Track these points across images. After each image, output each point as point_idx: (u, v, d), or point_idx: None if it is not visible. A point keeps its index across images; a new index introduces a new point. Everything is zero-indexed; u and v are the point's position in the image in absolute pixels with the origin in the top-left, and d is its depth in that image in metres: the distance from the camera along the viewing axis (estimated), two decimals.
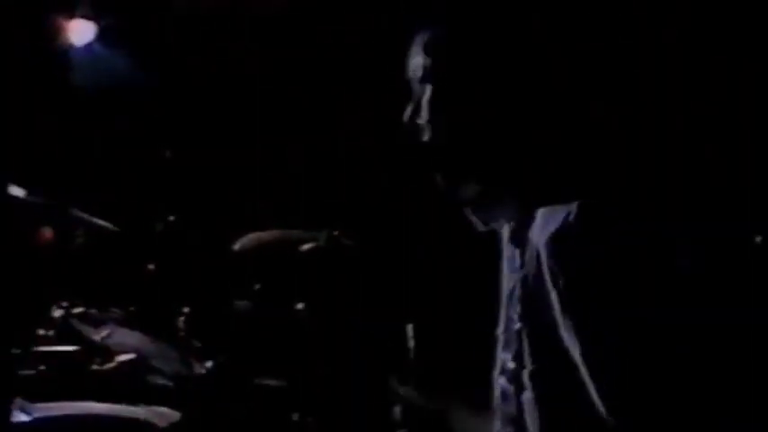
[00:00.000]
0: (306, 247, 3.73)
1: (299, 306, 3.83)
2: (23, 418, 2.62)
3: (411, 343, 3.87)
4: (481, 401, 2.14)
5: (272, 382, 3.68)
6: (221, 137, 4.48)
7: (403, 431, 3.56)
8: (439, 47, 1.92)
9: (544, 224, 1.81)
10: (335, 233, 3.74)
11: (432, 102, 1.94)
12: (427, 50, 1.93)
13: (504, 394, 1.98)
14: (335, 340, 3.97)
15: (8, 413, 2.48)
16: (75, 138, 4.47)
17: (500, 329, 2.04)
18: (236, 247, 3.78)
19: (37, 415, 2.65)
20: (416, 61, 1.97)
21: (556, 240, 1.77)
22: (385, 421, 3.70)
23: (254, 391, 3.61)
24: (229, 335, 3.72)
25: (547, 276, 1.78)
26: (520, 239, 1.93)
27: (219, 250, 3.85)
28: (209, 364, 3.46)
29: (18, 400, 2.63)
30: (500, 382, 2.00)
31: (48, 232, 3.71)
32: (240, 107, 4.45)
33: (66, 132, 4.48)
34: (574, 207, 1.76)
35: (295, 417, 3.67)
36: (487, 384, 2.07)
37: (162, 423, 2.78)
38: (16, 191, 3.11)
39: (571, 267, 1.75)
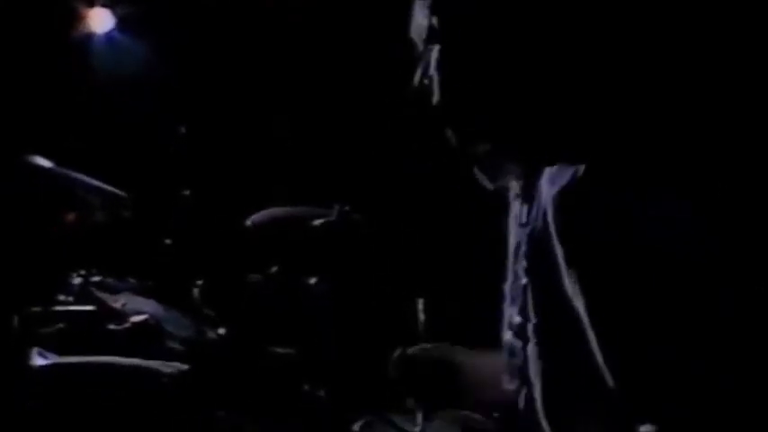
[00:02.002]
0: (317, 222, 3.80)
1: (312, 280, 3.90)
2: (37, 362, 2.72)
3: (421, 316, 3.92)
4: (494, 358, 2.16)
5: (284, 351, 3.74)
6: (235, 113, 4.54)
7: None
8: (446, 5, 1.96)
9: (553, 180, 1.83)
10: (347, 208, 3.81)
11: (440, 61, 1.94)
12: (434, 10, 1.96)
13: (511, 349, 2.00)
14: (346, 313, 4.03)
15: (26, 360, 2.58)
16: (92, 113, 4.55)
17: (507, 285, 2.06)
18: (250, 222, 3.86)
19: (46, 361, 2.75)
20: (420, 21, 1.99)
21: (563, 196, 1.80)
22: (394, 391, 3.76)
23: (265, 359, 3.67)
24: (242, 305, 3.79)
25: (553, 231, 1.81)
26: (527, 195, 1.95)
27: (233, 225, 3.92)
28: (221, 331, 3.54)
29: (35, 349, 2.74)
30: (507, 337, 2.02)
31: (70, 215, 3.78)
32: (254, 83, 4.51)
33: (83, 108, 4.56)
34: (582, 165, 1.80)
35: (305, 387, 3.73)
36: (498, 341, 2.10)
37: (167, 371, 2.86)
38: (40, 160, 3.21)
39: (577, 222, 1.78)
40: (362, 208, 3.88)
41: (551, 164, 1.86)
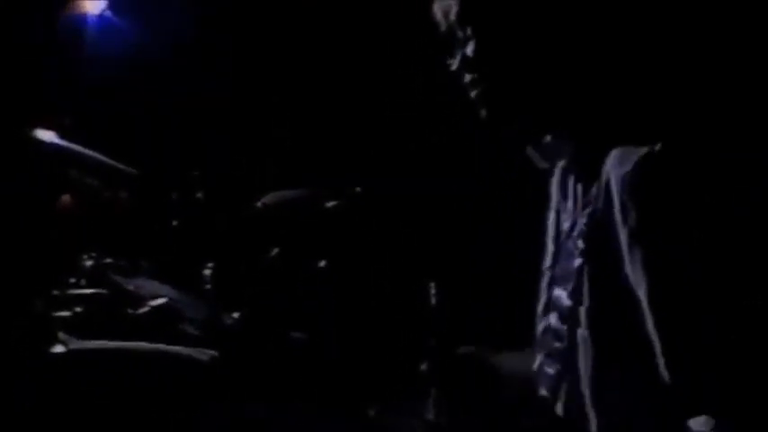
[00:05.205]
0: (329, 204, 3.75)
1: (322, 263, 3.84)
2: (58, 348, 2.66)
3: (433, 299, 3.88)
4: (522, 338, 2.10)
5: (297, 336, 3.69)
6: (246, 93, 4.48)
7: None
8: None
9: (620, 160, 1.78)
10: (358, 190, 3.76)
11: (478, 41, 1.88)
12: None
13: (555, 332, 1.93)
14: (357, 297, 3.98)
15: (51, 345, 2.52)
16: (99, 97, 4.48)
17: (546, 265, 2.00)
18: (260, 204, 3.80)
19: (80, 347, 2.68)
20: (446, 3, 1.92)
21: (634, 175, 1.74)
22: (411, 375, 3.72)
23: (279, 343, 3.62)
24: (255, 289, 3.73)
25: (617, 212, 1.75)
26: (584, 174, 1.89)
27: (243, 207, 3.86)
28: (236, 315, 3.48)
29: (62, 335, 2.67)
30: (550, 319, 1.95)
31: (66, 198, 3.71)
32: (266, 66, 4.46)
33: (89, 90, 4.50)
34: (657, 145, 1.74)
35: (315, 372, 3.68)
36: (530, 321, 2.04)
37: (204, 358, 2.80)
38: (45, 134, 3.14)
39: (646, 202, 1.72)
40: (374, 191, 3.84)
41: (611, 146, 1.81)
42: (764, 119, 1.85)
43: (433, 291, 3.87)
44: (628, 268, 1.74)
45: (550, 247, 2.01)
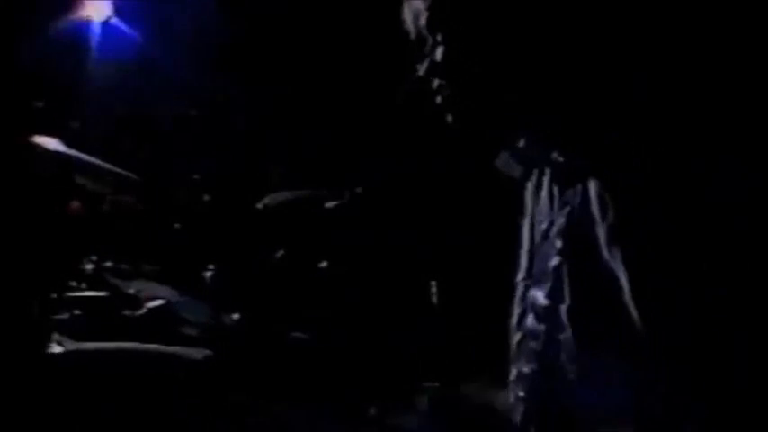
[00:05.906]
0: (329, 204, 3.76)
1: (323, 264, 3.86)
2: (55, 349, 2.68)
3: (435, 299, 3.90)
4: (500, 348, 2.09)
5: (298, 336, 3.70)
6: (246, 93, 4.49)
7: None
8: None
9: (597, 159, 1.78)
10: (359, 191, 3.78)
11: (449, 46, 1.87)
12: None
13: (531, 333, 1.93)
14: (359, 296, 3.99)
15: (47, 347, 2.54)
16: (102, 101, 4.51)
17: (521, 275, 1.99)
18: (261, 205, 3.82)
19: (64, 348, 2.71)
20: (416, 3, 1.91)
21: (611, 173, 1.74)
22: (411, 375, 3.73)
23: (279, 344, 3.64)
24: (256, 290, 3.74)
25: (595, 209, 1.75)
26: (561, 175, 1.89)
27: (244, 209, 3.88)
28: (236, 316, 3.49)
29: (58, 336, 2.69)
30: (527, 322, 1.95)
31: (76, 204, 3.73)
32: (265, 68, 4.47)
33: (93, 95, 4.52)
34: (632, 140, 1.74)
35: (316, 372, 3.69)
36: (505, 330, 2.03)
37: (197, 356, 2.82)
38: (50, 142, 3.16)
39: (624, 198, 1.72)
40: (375, 191, 3.85)
41: (586, 147, 1.81)
42: (748, 120, 1.84)
43: (433, 291, 3.90)
44: (607, 264, 1.74)
45: (524, 261, 2.00)
